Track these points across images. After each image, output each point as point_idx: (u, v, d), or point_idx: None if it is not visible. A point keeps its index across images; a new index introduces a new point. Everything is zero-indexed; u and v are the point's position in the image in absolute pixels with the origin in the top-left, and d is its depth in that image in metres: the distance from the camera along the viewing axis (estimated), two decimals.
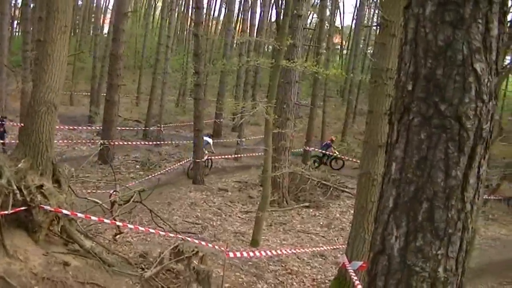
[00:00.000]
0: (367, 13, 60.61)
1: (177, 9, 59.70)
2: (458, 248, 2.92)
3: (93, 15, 60.18)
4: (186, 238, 13.42)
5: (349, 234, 13.05)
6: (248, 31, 41.79)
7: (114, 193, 15.47)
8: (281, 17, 17.00)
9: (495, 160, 29.38)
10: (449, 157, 2.77)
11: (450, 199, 2.81)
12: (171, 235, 14.06)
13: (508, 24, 13.06)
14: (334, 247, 17.09)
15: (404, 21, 2.96)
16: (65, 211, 10.65)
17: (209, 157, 26.96)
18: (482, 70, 2.76)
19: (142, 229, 13.39)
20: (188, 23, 66.71)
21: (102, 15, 58.13)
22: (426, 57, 2.79)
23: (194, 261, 11.94)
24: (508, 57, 14.47)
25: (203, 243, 13.43)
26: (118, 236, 14.02)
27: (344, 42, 74.70)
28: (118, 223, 13.09)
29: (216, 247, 13.84)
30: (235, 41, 47.43)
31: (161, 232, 13.59)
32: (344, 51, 73.34)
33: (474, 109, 2.76)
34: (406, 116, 2.87)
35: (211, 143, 27.01)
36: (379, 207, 3.08)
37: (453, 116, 2.74)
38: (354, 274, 11.42)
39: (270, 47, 41.33)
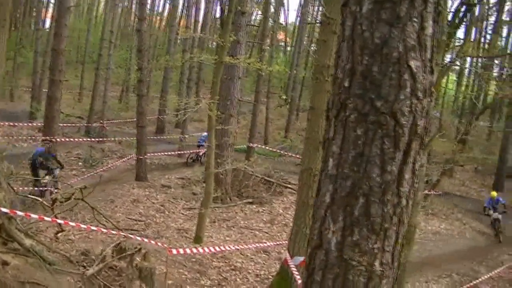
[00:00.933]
0: (311, 10, 60.94)
1: (120, 4, 59.05)
2: (394, 242, 2.97)
3: (34, 9, 58.87)
4: (129, 235, 13.33)
5: (291, 230, 13.15)
6: (192, 27, 41.68)
7: (56, 190, 15.28)
8: (225, 13, 16.99)
9: (435, 156, 30.03)
10: (385, 153, 2.81)
11: (385, 194, 2.85)
12: (114, 232, 13.94)
13: (448, 23, 13.32)
14: (278, 243, 17.18)
15: (342, 18, 3.00)
16: (4, 209, 10.43)
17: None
18: (417, 67, 2.81)
19: (84, 226, 13.24)
20: (132, 19, 66.02)
21: (44, 9, 56.85)
22: (362, 54, 2.83)
23: (137, 258, 11.87)
24: (448, 55, 14.76)
25: (145, 240, 13.36)
26: (59, 234, 13.80)
27: (288, 39, 75.13)
28: (59, 221, 12.91)
29: (159, 244, 13.78)
30: (179, 37, 47.19)
31: (103, 230, 13.46)
32: (288, 48, 73.75)
33: (409, 105, 2.80)
34: (343, 112, 2.90)
35: None
36: (316, 203, 3.11)
37: (389, 112, 2.78)
38: (295, 270, 11.51)
39: (214, 43, 41.20)
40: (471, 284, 16.74)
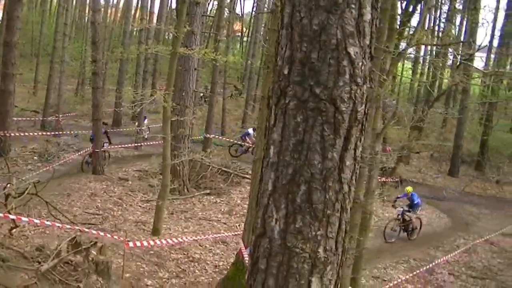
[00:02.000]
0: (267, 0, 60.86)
1: None
2: (337, 228, 2.98)
3: None
4: (84, 229, 13.22)
5: (245, 220, 13.17)
6: (147, 18, 41.23)
7: (9, 185, 15.06)
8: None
9: (391, 143, 30.35)
10: (325, 140, 2.82)
11: (327, 180, 2.86)
12: (68, 226, 13.80)
13: (402, 11, 13.42)
14: (236, 233, 17.18)
15: (280, 5, 2.99)
16: None
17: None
18: (356, 54, 2.81)
19: (38, 221, 13.09)
20: (87, 11, 65.16)
21: None
22: (301, 41, 2.82)
23: (93, 252, 11.79)
24: (402, 43, 14.88)
25: (102, 233, 13.27)
26: (14, 230, 13.62)
27: (244, 29, 74.96)
28: (11, 216, 12.74)
29: (116, 237, 13.70)
30: (134, 29, 46.74)
31: (57, 224, 13.33)
32: (245, 39, 73.60)
33: (348, 92, 2.81)
34: (283, 99, 2.90)
35: (252, 134, 29.22)
36: (259, 191, 3.11)
37: (328, 99, 2.79)
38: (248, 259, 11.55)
39: (171, 34, 40.94)
40: (428, 267, 16.96)
